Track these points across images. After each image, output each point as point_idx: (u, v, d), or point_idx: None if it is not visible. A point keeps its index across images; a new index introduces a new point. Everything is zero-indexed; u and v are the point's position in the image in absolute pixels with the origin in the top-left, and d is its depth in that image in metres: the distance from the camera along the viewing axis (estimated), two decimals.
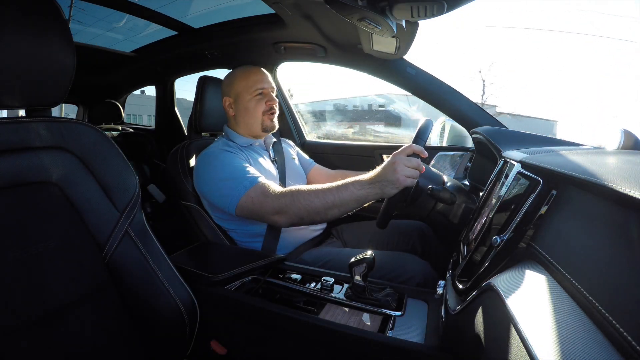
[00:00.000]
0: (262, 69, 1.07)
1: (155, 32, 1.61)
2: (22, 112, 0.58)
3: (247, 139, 1.06)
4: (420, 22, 0.81)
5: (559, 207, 0.36)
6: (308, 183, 1.20)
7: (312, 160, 1.29)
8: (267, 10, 1.09)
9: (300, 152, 1.30)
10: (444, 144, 1.36)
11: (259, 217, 0.87)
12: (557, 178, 0.37)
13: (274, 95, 1.06)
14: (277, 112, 1.07)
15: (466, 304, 0.45)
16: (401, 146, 0.78)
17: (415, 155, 0.77)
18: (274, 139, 1.15)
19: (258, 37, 1.30)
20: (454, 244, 0.69)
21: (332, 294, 0.71)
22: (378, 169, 0.78)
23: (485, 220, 0.51)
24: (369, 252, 0.68)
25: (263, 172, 0.99)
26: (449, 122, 1.32)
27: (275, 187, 0.86)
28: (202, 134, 1.16)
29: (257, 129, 1.05)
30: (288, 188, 0.84)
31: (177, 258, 0.80)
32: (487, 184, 0.64)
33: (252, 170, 0.91)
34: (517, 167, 0.48)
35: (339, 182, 0.81)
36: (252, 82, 1.03)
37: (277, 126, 1.08)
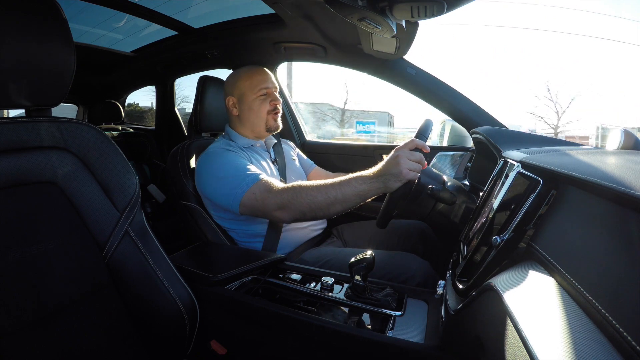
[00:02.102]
0: (265, 69, 1.07)
1: (155, 32, 1.61)
2: (6, 112, 0.58)
3: (248, 140, 1.06)
4: (420, 22, 0.81)
5: (559, 207, 0.36)
6: None
7: (312, 162, 1.29)
8: (267, 10, 1.09)
9: (301, 153, 1.30)
10: (444, 144, 1.37)
11: (261, 213, 0.87)
12: (557, 178, 0.37)
13: (277, 95, 1.06)
14: (281, 112, 1.07)
15: (466, 303, 0.45)
16: None
17: (417, 150, 0.77)
18: (275, 140, 1.15)
19: (258, 37, 1.30)
20: (454, 244, 0.69)
21: (332, 294, 0.71)
22: (381, 163, 0.78)
23: (485, 220, 0.51)
24: (369, 252, 0.68)
25: (264, 172, 0.99)
26: (449, 122, 1.32)
27: (277, 183, 0.86)
28: (202, 134, 1.16)
29: (261, 129, 1.05)
30: (290, 184, 0.85)
31: (177, 258, 0.80)
32: (487, 184, 0.64)
33: (253, 168, 0.91)
34: (517, 167, 0.48)
35: (342, 178, 0.81)
36: (256, 81, 1.03)
37: (280, 126, 1.08)
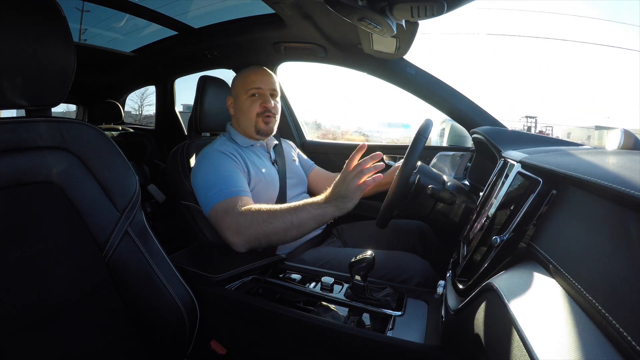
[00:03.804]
0: (266, 69, 1.05)
1: (155, 32, 1.61)
2: (4, 113, 0.58)
3: (248, 140, 1.05)
4: (420, 22, 0.81)
5: (559, 207, 0.36)
6: (309, 185, 1.20)
7: (312, 162, 1.29)
8: (267, 10, 1.09)
9: (301, 153, 1.29)
10: (444, 144, 1.37)
11: (219, 232, 0.86)
12: (557, 178, 0.37)
13: (275, 97, 1.04)
14: (275, 115, 1.04)
15: (466, 303, 0.45)
16: (401, 146, 0.78)
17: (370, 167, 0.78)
18: (276, 141, 1.14)
19: (258, 37, 1.30)
20: (454, 244, 0.69)
21: (332, 294, 0.71)
22: (332, 187, 0.79)
23: (485, 220, 0.51)
24: (369, 252, 0.68)
25: (262, 174, 0.99)
26: (449, 122, 1.32)
27: (242, 207, 0.83)
28: (203, 134, 1.16)
29: (251, 131, 1.03)
30: (249, 207, 0.83)
31: (177, 258, 0.80)
32: (487, 184, 0.64)
33: (233, 181, 0.89)
34: (517, 167, 0.48)
35: (297, 203, 0.81)
36: (249, 82, 1.01)
37: (273, 131, 1.05)
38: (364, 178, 0.76)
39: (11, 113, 0.62)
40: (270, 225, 0.79)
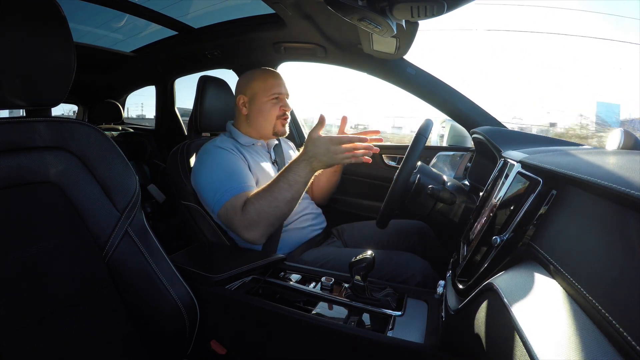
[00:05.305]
0: (280, 74, 1.08)
1: (155, 32, 1.61)
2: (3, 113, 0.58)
3: (250, 139, 1.06)
4: (420, 22, 0.81)
5: (559, 207, 0.36)
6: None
7: None
8: (267, 10, 1.09)
9: None
10: (444, 144, 1.37)
11: (233, 231, 0.88)
12: (557, 178, 0.37)
13: (288, 102, 1.07)
14: (289, 118, 1.09)
15: (466, 303, 0.45)
16: (401, 146, 0.78)
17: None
18: (276, 141, 1.15)
19: (258, 37, 1.30)
20: (454, 244, 0.69)
21: (332, 294, 0.71)
22: (311, 151, 0.83)
23: (485, 220, 0.51)
24: (369, 252, 0.68)
25: (262, 173, 0.99)
26: (449, 122, 1.32)
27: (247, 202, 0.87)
28: (202, 134, 1.16)
29: (268, 132, 1.05)
30: (249, 198, 0.86)
31: (177, 258, 0.80)
32: (487, 184, 0.64)
33: (239, 178, 0.91)
34: (517, 167, 0.48)
35: (286, 175, 0.85)
36: (270, 85, 1.03)
37: (287, 132, 1.09)
38: (351, 160, 0.82)
39: (6, 113, 0.62)
40: (278, 208, 0.84)
